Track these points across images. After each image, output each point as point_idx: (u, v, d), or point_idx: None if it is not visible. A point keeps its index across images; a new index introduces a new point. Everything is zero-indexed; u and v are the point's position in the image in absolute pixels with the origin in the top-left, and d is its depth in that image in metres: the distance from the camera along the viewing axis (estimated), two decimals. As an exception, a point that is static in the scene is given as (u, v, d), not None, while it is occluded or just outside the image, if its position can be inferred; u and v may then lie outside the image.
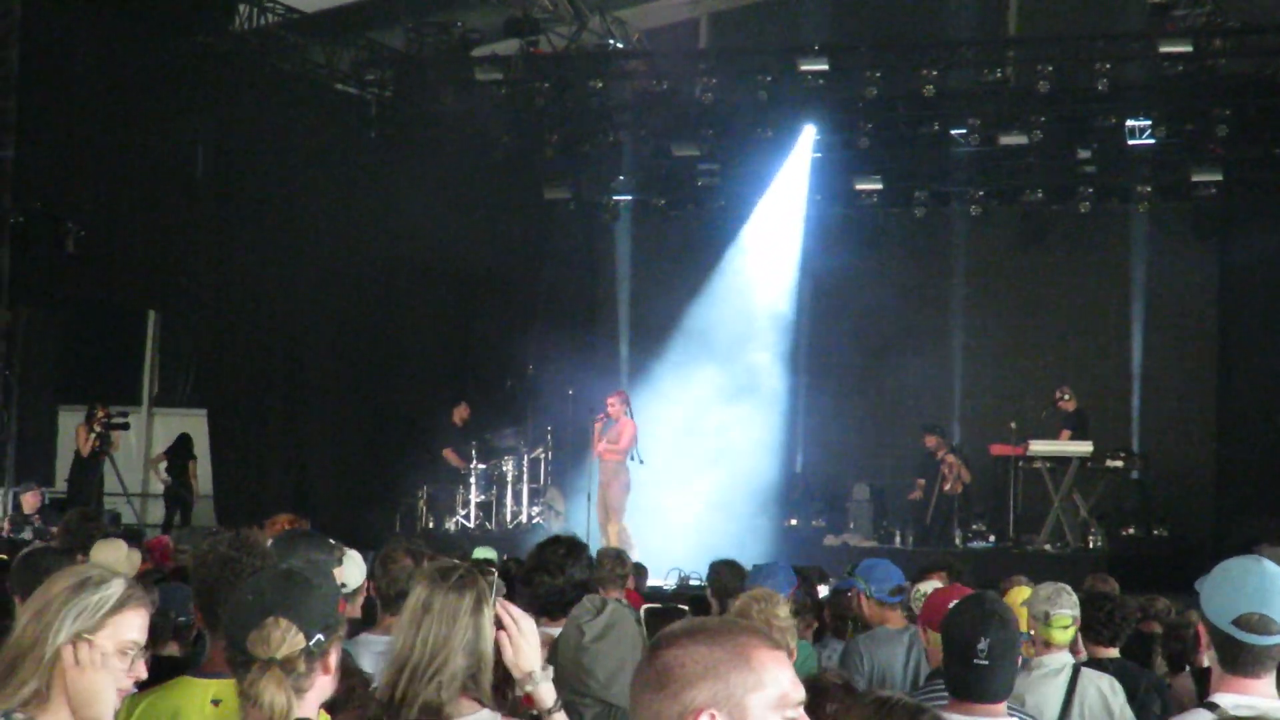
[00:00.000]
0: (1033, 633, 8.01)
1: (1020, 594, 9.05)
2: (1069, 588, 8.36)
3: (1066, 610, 8.13)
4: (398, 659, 4.92)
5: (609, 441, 22.15)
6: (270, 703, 4.19)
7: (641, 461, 22.52)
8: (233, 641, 4.30)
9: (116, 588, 4.26)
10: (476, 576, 5.02)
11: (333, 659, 4.42)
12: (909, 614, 9.01)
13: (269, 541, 7.67)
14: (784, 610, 7.01)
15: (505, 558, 14.05)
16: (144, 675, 4.26)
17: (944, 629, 6.11)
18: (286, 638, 4.23)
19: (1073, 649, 8.47)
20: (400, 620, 5.00)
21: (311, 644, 4.29)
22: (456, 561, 5.32)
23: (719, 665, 2.92)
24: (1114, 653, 9.05)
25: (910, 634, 8.83)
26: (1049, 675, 7.79)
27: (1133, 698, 8.05)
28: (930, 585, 8.77)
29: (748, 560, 11.33)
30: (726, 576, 10.34)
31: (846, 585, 9.17)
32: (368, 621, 7.49)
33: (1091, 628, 8.97)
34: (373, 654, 6.71)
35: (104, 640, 4.16)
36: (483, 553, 12.84)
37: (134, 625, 4.22)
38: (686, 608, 8.07)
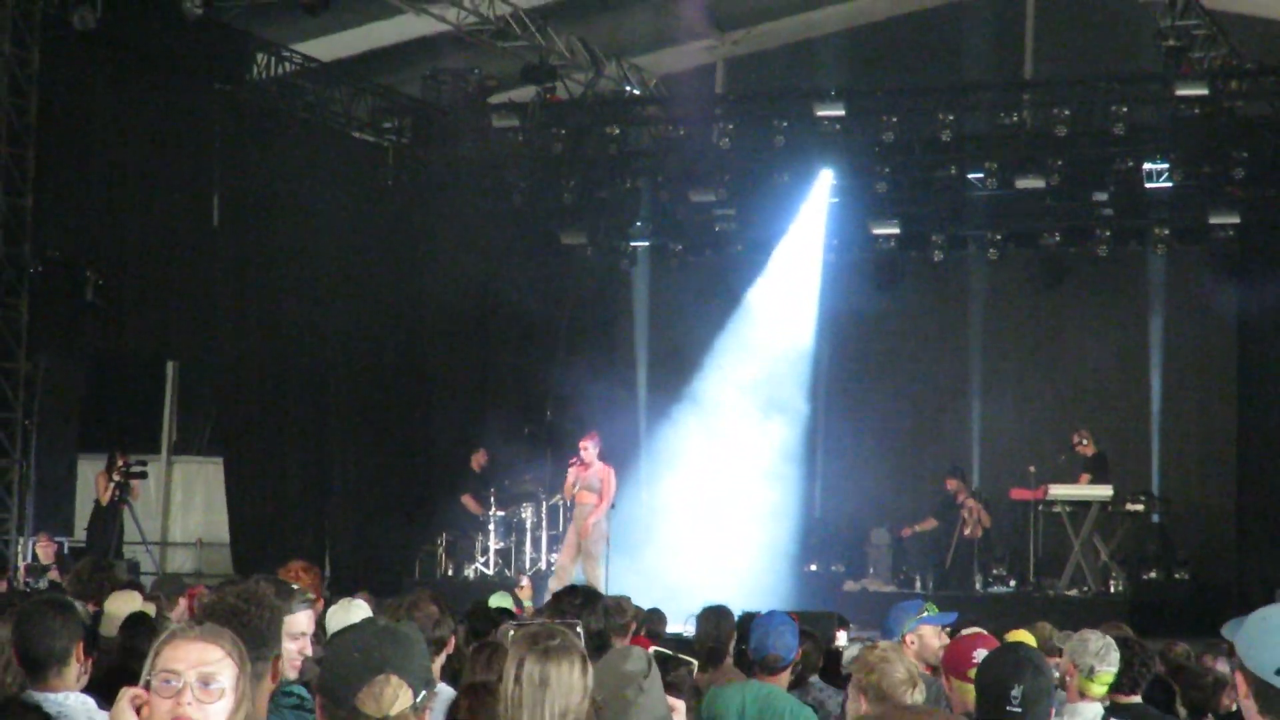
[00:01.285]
0: (1070, 679, 7.96)
1: (1023, 636, 8.98)
2: (1114, 643, 8.31)
3: (1111, 668, 8.08)
4: None
5: (588, 489, 21.64)
6: None
7: (613, 506, 22.14)
8: (336, 698, 4.27)
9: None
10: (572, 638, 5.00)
11: (427, 716, 4.43)
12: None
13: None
14: (900, 671, 6.84)
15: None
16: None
17: (978, 677, 6.12)
18: (399, 695, 4.22)
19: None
20: (507, 694, 4.91)
21: (417, 700, 4.29)
22: (544, 623, 5.27)
23: None
24: (1136, 699, 8.99)
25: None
26: (1080, 721, 7.77)
27: None
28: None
29: (767, 607, 11.25)
30: (710, 624, 10.15)
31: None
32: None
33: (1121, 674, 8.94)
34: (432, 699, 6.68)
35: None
36: (499, 600, 12.78)
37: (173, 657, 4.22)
38: (693, 660, 7.96)
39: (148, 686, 4.18)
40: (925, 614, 9.36)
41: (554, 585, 20.45)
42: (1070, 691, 7.94)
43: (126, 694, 4.18)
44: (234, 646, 4.31)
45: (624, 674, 5.64)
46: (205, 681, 4.18)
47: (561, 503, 25.29)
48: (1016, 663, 5.97)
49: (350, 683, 4.24)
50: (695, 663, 7.92)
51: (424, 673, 4.38)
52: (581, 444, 21.81)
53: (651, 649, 7.85)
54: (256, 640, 5.13)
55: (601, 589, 19.76)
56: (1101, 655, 8.10)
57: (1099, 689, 8.04)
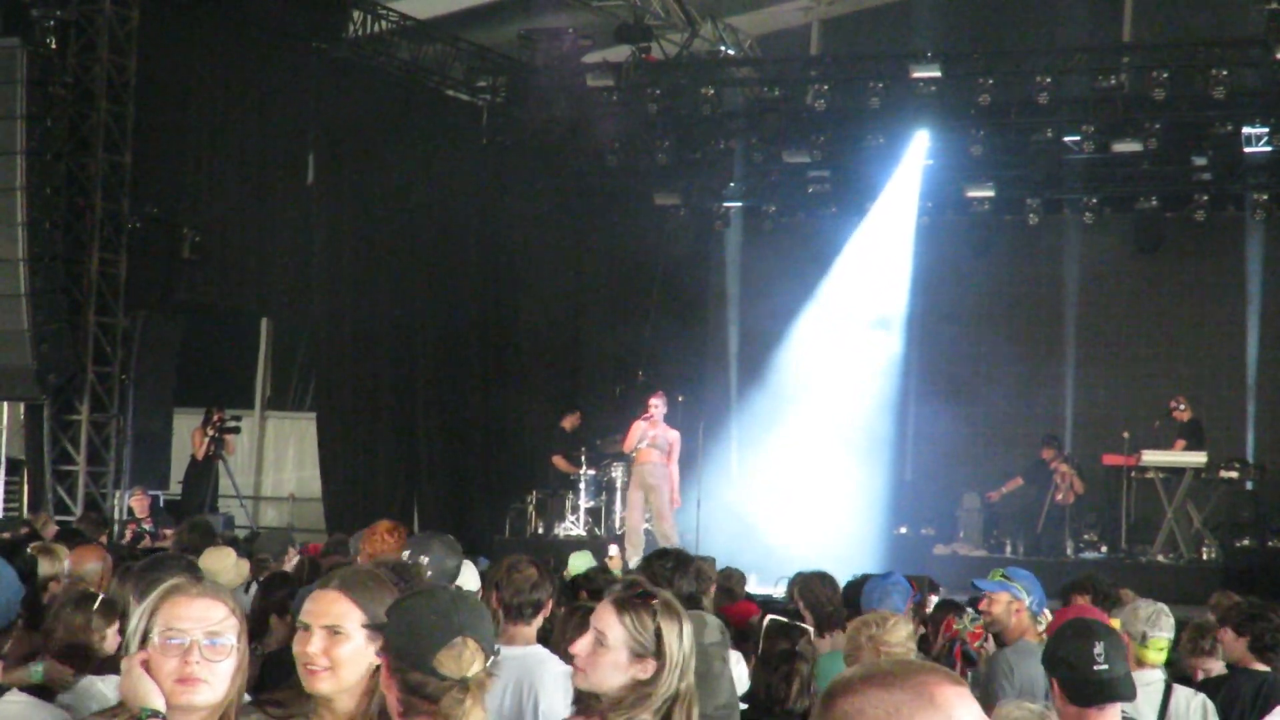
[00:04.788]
0: (1127, 648, 7.94)
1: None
2: (1167, 609, 8.29)
3: (1164, 634, 8.09)
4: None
5: (654, 447, 21.53)
6: None
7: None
8: (412, 660, 4.30)
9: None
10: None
11: (492, 682, 4.46)
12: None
13: (405, 551, 7.71)
14: (899, 634, 6.80)
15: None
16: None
17: (1052, 649, 6.14)
18: (476, 658, 4.26)
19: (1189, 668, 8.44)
20: (674, 663, 4.83)
21: (489, 664, 4.32)
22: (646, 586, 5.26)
23: (901, 709, 2.72)
24: (1263, 668, 8.93)
25: (1015, 649, 8.72)
26: (1142, 691, 7.74)
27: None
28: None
29: (857, 568, 11.23)
30: (818, 589, 10.07)
31: (998, 588, 8.94)
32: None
33: (1260, 640, 8.91)
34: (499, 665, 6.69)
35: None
36: (581, 559, 12.76)
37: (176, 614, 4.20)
38: (809, 627, 7.95)
39: (144, 643, 4.15)
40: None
41: (629, 548, 20.53)
42: (1129, 662, 7.92)
43: (136, 658, 4.14)
44: (235, 604, 4.31)
45: (708, 647, 5.66)
46: (213, 638, 4.17)
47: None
48: (1085, 624, 6.05)
49: (428, 645, 4.27)
50: (811, 629, 7.94)
51: (492, 637, 4.41)
52: (651, 400, 21.82)
53: (769, 618, 7.86)
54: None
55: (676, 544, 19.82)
56: (1152, 621, 8.11)
57: (1155, 655, 8.04)
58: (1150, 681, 7.84)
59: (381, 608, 4.50)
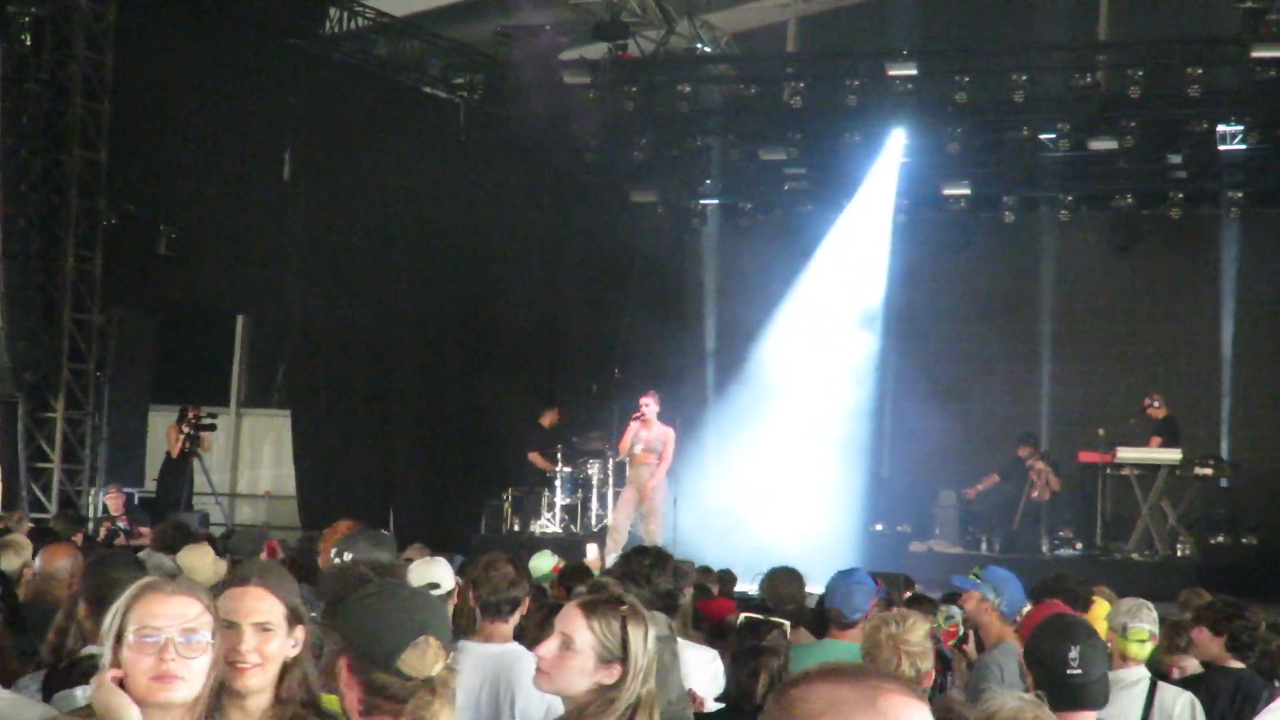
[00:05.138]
0: (1110, 646, 7.96)
1: (1101, 608, 8.98)
2: (1150, 604, 8.32)
3: (1145, 625, 8.11)
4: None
5: (649, 450, 21.48)
6: None
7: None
8: (375, 660, 4.29)
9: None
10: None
11: (454, 678, 4.46)
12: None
13: (332, 550, 7.75)
14: (918, 634, 6.81)
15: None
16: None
17: (1031, 647, 6.16)
18: (440, 657, 4.26)
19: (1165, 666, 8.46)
20: (638, 668, 4.83)
21: (450, 662, 4.33)
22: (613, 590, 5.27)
23: (842, 704, 2.73)
24: (1238, 665, 8.98)
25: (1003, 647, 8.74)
26: (1126, 688, 7.76)
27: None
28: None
29: (833, 565, 11.25)
30: (784, 584, 10.18)
31: (970, 585, 8.96)
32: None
33: (1238, 638, 8.95)
34: (474, 661, 6.71)
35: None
36: (542, 559, 12.66)
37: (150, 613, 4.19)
38: (785, 622, 7.97)
39: (118, 641, 4.14)
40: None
41: (610, 545, 20.49)
42: (1114, 659, 7.93)
43: (107, 675, 4.11)
44: (210, 600, 4.30)
45: (658, 639, 5.67)
46: (188, 635, 4.15)
47: (627, 461, 25.26)
48: (1068, 626, 6.05)
49: (392, 645, 4.27)
50: (787, 624, 7.95)
51: (450, 636, 4.42)
52: (643, 400, 21.72)
53: (743, 615, 7.87)
54: None
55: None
56: (1133, 613, 8.14)
57: (1137, 648, 8.06)
58: (1136, 679, 7.86)
59: (295, 598, 4.52)
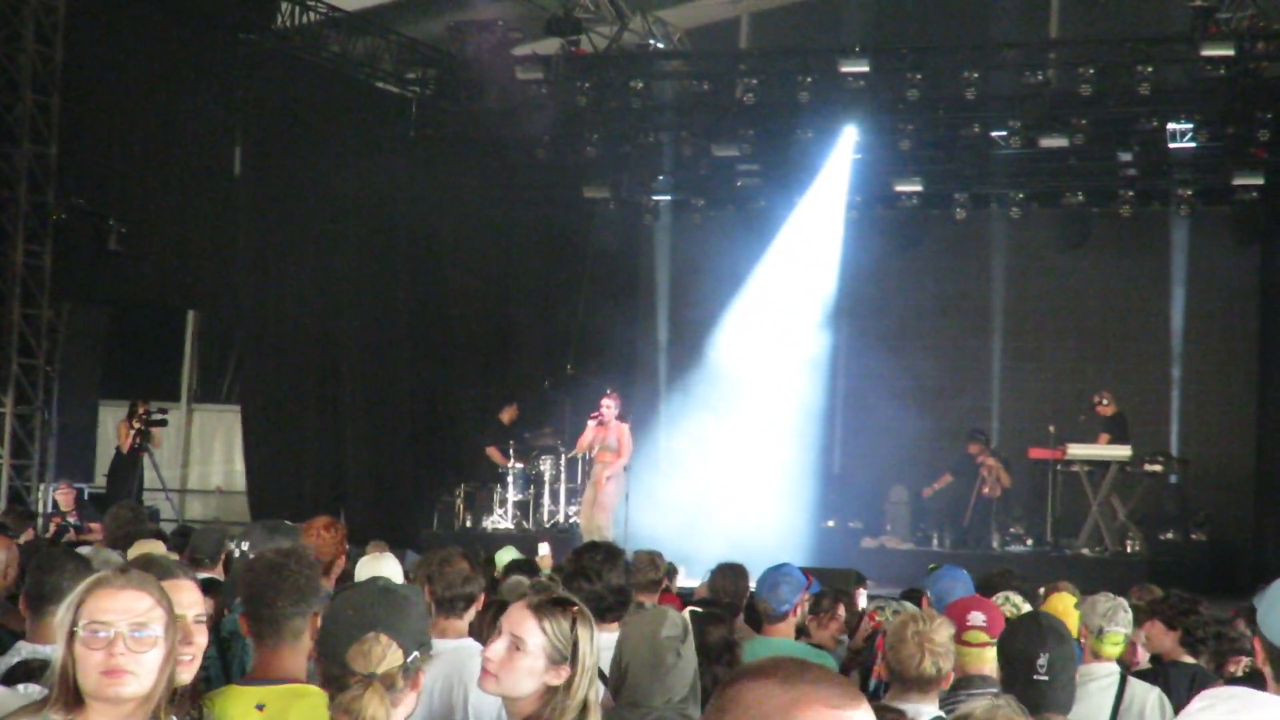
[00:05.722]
0: (1083, 641, 8.00)
1: (1061, 600, 9.01)
2: (1126, 604, 8.37)
3: (1121, 629, 8.14)
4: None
5: (606, 449, 21.75)
6: (371, 718, 4.22)
7: (627, 467, 22.24)
8: (329, 655, 4.30)
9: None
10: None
11: (422, 676, 4.46)
12: None
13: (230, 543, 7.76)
14: (942, 634, 6.78)
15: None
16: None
17: (1001, 647, 6.21)
18: (387, 654, 4.26)
19: (1127, 655, 8.51)
20: (585, 669, 4.85)
21: (409, 661, 4.32)
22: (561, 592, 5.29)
23: (769, 701, 2.69)
24: (1190, 660, 9.05)
25: None
26: (1097, 681, 7.81)
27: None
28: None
29: (782, 560, 11.27)
30: (721, 581, 10.24)
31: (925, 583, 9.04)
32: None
33: (1192, 634, 9.02)
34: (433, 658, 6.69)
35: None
36: (509, 554, 12.72)
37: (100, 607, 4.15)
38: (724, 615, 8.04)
39: (71, 638, 4.12)
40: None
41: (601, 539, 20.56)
42: (1085, 654, 7.98)
43: None
44: (163, 594, 4.26)
45: (662, 640, 5.65)
46: (137, 630, 4.12)
47: (579, 457, 25.29)
48: (1040, 631, 6.10)
49: (342, 640, 4.28)
50: (733, 619, 7.98)
51: (418, 634, 4.41)
52: (604, 401, 21.89)
53: (688, 609, 7.89)
54: (296, 596, 5.17)
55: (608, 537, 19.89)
56: (1109, 616, 8.17)
57: (1111, 649, 8.10)
58: (1106, 674, 7.90)
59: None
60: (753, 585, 9.50)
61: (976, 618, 7.01)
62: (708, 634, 7.30)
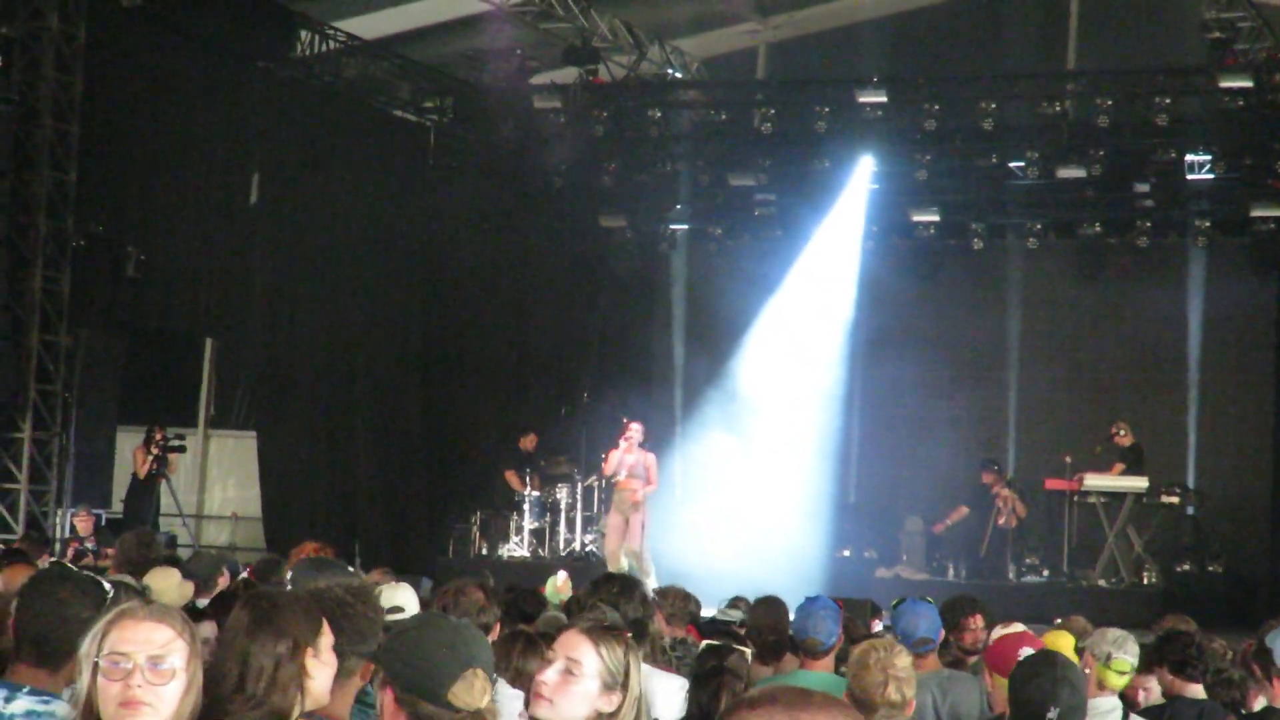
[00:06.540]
0: (1088, 671, 7.97)
1: (1061, 638, 8.97)
2: (1134, 638, 8.34)
3: (1128, 657, 8.11)
4: None
5: (634, 476, 21.72)
6: None
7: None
8: (425, 694, 4.31)
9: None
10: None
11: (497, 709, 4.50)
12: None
13: (288, 572, 7.72)
14: (903, 660, 6.82)
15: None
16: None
17: (1014, 689, 6.20)
18: (487, 689, 4.30)
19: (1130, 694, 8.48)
20: (635, 696, 4.83)
21: (494, 694, 4.37)
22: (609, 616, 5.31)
23: None
24: (1199, 690, 8.97)
25: (941, 677, 8.74)
26: (1099, 716, 7.77)
27: None
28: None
29: (800, 591, 11.23)
30: (761, 616, 10.10)
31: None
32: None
33: (1185, 665, 8.95)
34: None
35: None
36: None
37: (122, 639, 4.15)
38: (748, 650, 7.98)
39: (94, 670, 4.12)
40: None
41: (634, 566, 20.52)
42: (1090, 685, 7.95)
43: None
44: (184, 626, 4.25)
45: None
46: (156, 662, 4.12)
47: (597, 483, 25.30)
48: (1054, 681, 6.04)
49: (441, 677, 4.30)
50: (749, 650, 7.95)
51: (493, 668, 4.46)
52: (632, 425, 21.90)
53: (704, 642, 7.88)
54: (356, 638, 5.15)
55: (648, 568, 19.90)
56: (1119, 644, 8.14)
57: (1117, 679, 8.06)
58: (1109, 709, 7.86)
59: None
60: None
61: (1026, 654, 7.01)
62: (707, 662, 7.31)
